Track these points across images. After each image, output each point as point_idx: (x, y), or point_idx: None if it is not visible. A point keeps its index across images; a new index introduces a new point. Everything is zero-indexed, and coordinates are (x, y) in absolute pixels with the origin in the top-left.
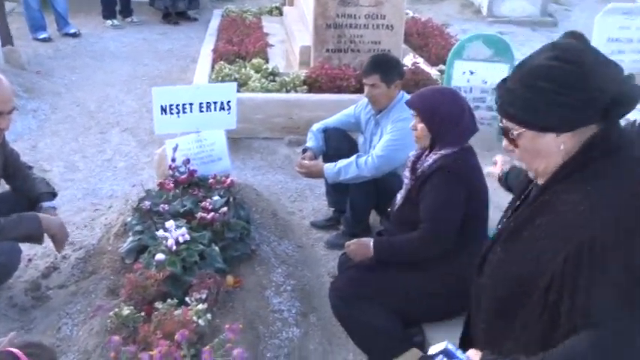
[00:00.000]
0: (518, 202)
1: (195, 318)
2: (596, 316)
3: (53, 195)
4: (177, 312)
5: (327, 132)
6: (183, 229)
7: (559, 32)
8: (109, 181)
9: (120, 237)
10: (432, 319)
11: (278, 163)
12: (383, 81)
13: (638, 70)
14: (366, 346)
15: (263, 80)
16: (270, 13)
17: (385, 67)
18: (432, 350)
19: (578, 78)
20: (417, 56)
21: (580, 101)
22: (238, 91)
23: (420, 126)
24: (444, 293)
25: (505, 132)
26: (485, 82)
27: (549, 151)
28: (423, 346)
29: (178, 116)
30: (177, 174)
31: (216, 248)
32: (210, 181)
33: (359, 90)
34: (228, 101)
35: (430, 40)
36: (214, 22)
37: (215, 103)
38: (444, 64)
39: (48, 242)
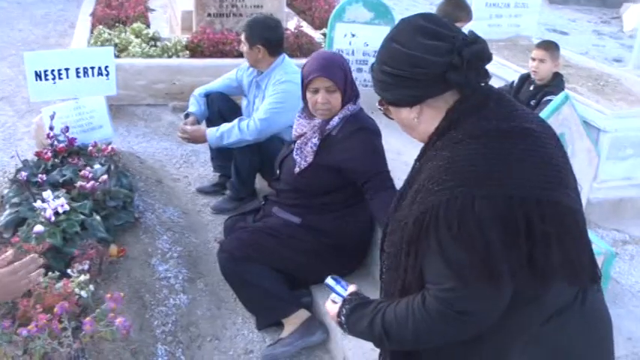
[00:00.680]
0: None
1: (77, 290)
2: (427, 279)
3: None
4: (59, 285)
5: (209, 96)
6: (62, 200)
7: None
8: None
9: None
10: (317, 279)
11: (162, 129)
12: (247, 41)
13: (515, 34)
14: (254, 308)
15: (144, 45)
16: None
17: (252, 26)
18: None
19: (404, 58)
20: (300, 20)
21: (412, 79)
22: (118, 56)
23: (335, 96)
24: (333, 255)
25: (379, 104)
26: (367, 45)
27: (410, 122)
28: (310, 307)
29: (54, 82)
30: (55, 143)
31: (98, 218)
32: (90, 149)
33: (242, 54)
34: (106, 66)
35: (314, 4)
36: None
37: (92, 68)
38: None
39: None
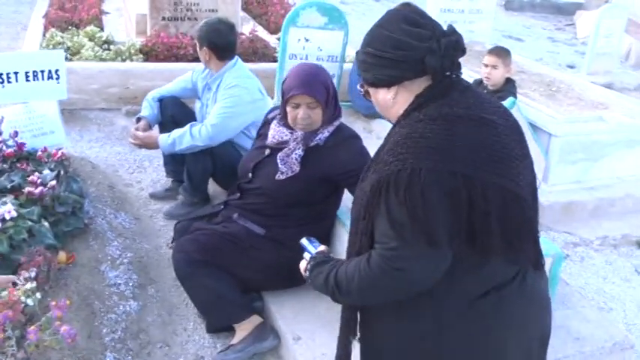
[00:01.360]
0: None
1: (23, 298)
2: (375, 239)
3: None
4: (4, 293)
5: (162, 101)
6: (10, 206)
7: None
8: None
9: None
10: (273, 288)
11: (116, 134)
12: (197, 42)
13: (469, 40)
14: (205, 310)
15: (97, 49)
16: None
17: (201, 29)
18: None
19: (387, 40)
20: (256, 24)
21: (392, 60)
22: (71, 60)
23: (316, 112)
24: (292, 269)
25: (360, 87)
26: (321, 50)
27: (386, 103)
28: (262, 312)
29: (3, 86)
30: (4, 148)
31: (46, 224)
32: (39, 154)
33: (197, 59)
34: (57, 70)
35: (270, 9)
36: None
37: (42, 71)
38: None
39: None
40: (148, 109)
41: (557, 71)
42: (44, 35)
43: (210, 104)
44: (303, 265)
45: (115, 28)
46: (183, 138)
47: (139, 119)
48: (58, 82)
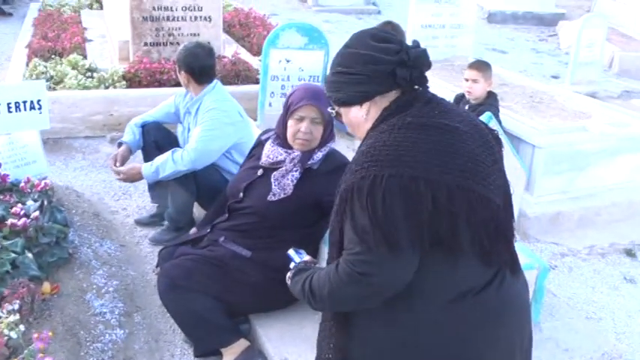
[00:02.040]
0: None
1: (6, 331)
2: (344, 246)
3: None
4: None
5: (145, 127)
6: None
7: (383, 20)
8: None
9: None
10: (259, 311)
11: (101, 161)
12: (176, 66)
13: (451, 55)
14: (192, 335)
15: (80, 77)
16: (90, 6)
17: (179, 53)
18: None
19: (357, 57)
20: (239, 47)
21: (363, 76)
22: (54, 89)
23: (318, 129)
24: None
25: (332, 111)
26: (303, 70)
27: (359, 120)
28: (249, 335)
29: None
30: None
31: (30, 255)
32: (22, 185)
33: (179, 83)
34: (39, 100)
35: (252, 31)
36: (30, 17)
37: (25, 102)
38: None
39: None
40: (129, 134)
41: (539, 82)
42: (27, 65)
43: (192, 128)
44: (288, 273)
45: (98, 55)
46: (166, 165)
47: (120, 144)
48: (41, 112)
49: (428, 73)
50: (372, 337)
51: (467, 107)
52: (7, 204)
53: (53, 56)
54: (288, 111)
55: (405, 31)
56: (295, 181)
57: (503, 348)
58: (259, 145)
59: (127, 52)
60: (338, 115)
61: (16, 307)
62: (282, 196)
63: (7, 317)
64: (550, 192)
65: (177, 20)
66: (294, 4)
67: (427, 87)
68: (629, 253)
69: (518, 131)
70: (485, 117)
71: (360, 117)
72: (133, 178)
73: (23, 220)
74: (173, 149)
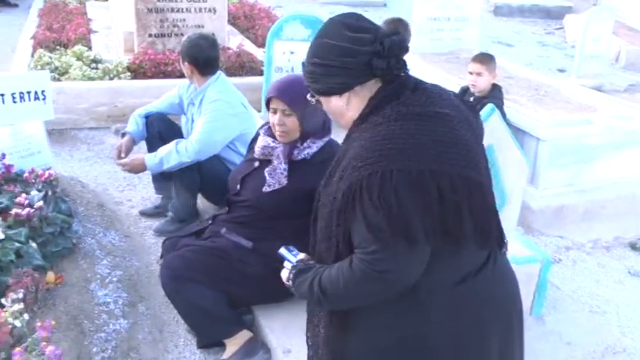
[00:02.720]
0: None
1: (10, 320)
2: (354, 244)
3: None
4: None
5: (149, 118)
6: None
7: (389, 12)
8: None
9: None
10: (262, 302)
11: (105, 152)
12: (181, 58)
13: (457, 48)
14: (195, 326)
15: (85, 68)
16: None
17: (183, 45)
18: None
19: (332, 49)
20: (244, 38)
21: (340, 67)
22: (59, 80)
23: (290, 120)
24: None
25: (311, 97)
26: None
27: (340, 109)
28: (252, 326)
29: None
30: None
31: (34, 245)
32: (26, 175)
33: (184, 75)
34: (43, 90)
35: (257, 22)
36: (35, 8)
37: (29, 92)
38: None
39: None
40: (133, 125)
41: (545, 75)
42: (32, 56)
43: (195, 119)
44: (285, 274)
45: (103, 46)
46: (170, 156)
47: (123, 134)
48: (45, 103)
49: (433, 66)
50: (382, 327)
51: (472, 100)
52: (12, 194)
53: (58, 47)
54: (266, 101)
55: (409, 25)
56: (286, 172)
57: (504, 319)
58: (257, 137)
59: (131, 43)
60: (319, 102)
61: (21, 296)
62: (277, 187)
63: (11, 306)
64: (555, 185)
65: (182, 12)
66: None
67: (408, 71)
68: (634, 246)
69: (523, 124)
70: (487, 109)
71: (341, 106)
72: (137, 169)
73: (27, 209)
74: (177, 140)
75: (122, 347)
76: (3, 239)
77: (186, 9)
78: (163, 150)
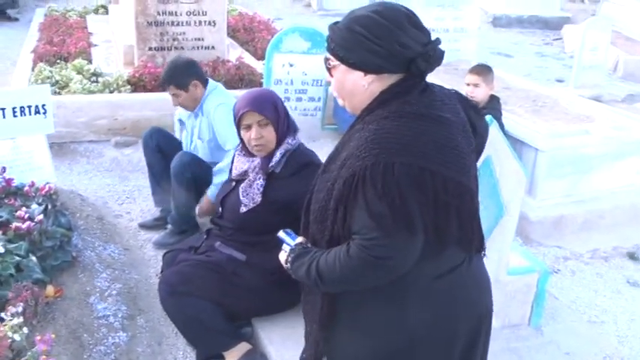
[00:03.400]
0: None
1: (10, 333)
2: (354, 230)
3: None
4: None
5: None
6: None
7: None
8: None
9: None
10: (259, 314)
11: (105, 166)
12: (180, 89)
13: (455, 59)
14: (194, 340)
15: (85, 81)
16: (96, 11)
17: (175, 75)
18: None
19: (387, 32)
20: (243, 51)
21: (386, 51)
22: (59, 93)
23: (268, 129)
24: (276, 292)
25: (325, 60)
26: (306, 74)
27: (355, 86)
28: (251, 338)
29: None
30: None
31: (34, 258)
32: (26, 188)
33: None
34: (43, 105)
35: (256, 35)
36: (36, 22)
37: (29, 107)
38: None
39: None
40: None
41: (543, 86)
42: (33, 70)
43: (196, 131)
44: (283, 257)
45: (103, 60)
46: (222, 176)
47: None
48: (45, 117)
49: (432, 77)
50: (367, 317)
51: None
52: (12, 207)
53: (58, 61)
54: (236, 122)
55: None
56: (262, 189)
57: (472, 321)
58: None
59: (131, 56)
60: (329, 69)
61: (20, 309)
62: (252, 205)
63: (11, 320)
64: (553, 195)
65: (182, 25)
66: (299, 8)
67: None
68: (633, 256)
69: (521, 135)
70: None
71: (361, 85)
72: (211, 209)
73: (27, 223)
74: (218, 168)
75: None
76: (3, 253)
77: (186, 22)
78: (217, 179)
